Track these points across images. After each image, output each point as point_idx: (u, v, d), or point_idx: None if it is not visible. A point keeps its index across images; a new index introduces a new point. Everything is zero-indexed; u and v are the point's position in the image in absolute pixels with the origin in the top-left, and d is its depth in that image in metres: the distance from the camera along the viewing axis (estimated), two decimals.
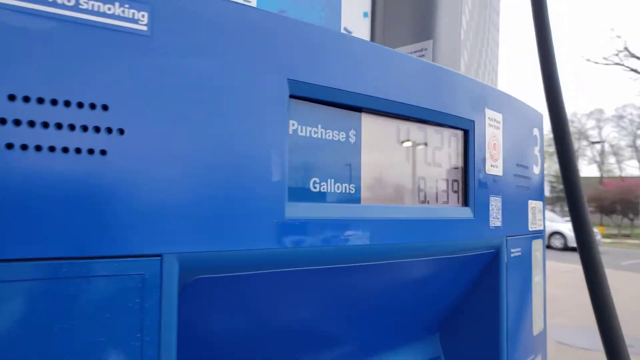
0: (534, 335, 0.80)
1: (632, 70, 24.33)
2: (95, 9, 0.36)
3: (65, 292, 0.34)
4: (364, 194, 0.52)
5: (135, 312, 0.36)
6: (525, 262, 0.76)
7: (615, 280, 8.76)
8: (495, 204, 0.68)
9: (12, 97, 0.33)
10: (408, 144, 0.57)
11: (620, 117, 32.88)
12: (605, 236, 21.51)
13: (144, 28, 0.38)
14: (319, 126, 0.48)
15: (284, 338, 0.54)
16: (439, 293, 0.70)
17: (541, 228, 0.83)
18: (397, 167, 0.56)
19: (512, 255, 0.72)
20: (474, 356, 0.73)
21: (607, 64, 24.42)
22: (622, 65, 24.71)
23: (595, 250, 0.92)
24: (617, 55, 24.78)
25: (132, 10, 0.37)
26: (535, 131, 0.83)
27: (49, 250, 0.33)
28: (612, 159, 34.29)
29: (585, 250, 0.91)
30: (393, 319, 0.68)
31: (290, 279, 0.48)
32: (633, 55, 24.07)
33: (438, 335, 0.76)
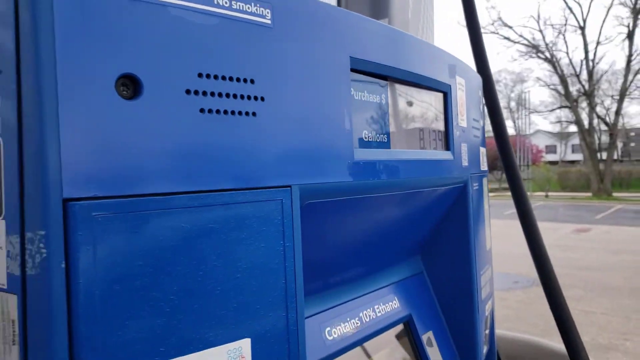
0: (487, 250, 1.04)
1: (505, 38, 26.58)
2: (241, 8, 0.49)
3: (242, 212, 0.48)
4: (392, 142, 0.69)
5: (279, 225, 0.51)
6: (480, 194, 0.99)
7: (500, 227, 9.83)
8: (464, 148, 0.89)
9: (200, 75, 0.46)
10: (413, 104, 0.75)
11: (497, 81, 35.94)
12: (489, 190, 23.73)
13: (269, 22, 0.51)
14: (365, 92, 0.65)
15: (334, 250, 0.71)
16: (423, 220, 0.91)
17: (486, 169, 1.07)
18: (408, 121, 0.74)
19: (474, 188, 0.94)
20: (449, 269, 0.95)
21: (485, 33, 26.39)
22: (497, 33, 26.88)
23: (529, 204, 1.15)
24: (492, 24, 26.88)
25: (261, 9, 0.50)
26: (480, 92, 1.05)
27: (233, 184, 0.47)
28: None
29: (521, 205, 1.15)
30: (389, 242, 0.87)
31: (350, 205, 0.64)
32: (506, 25, 26.28)
33: (420, 255, 0.97)
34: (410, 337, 0.85)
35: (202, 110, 0.46)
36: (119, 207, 0.40)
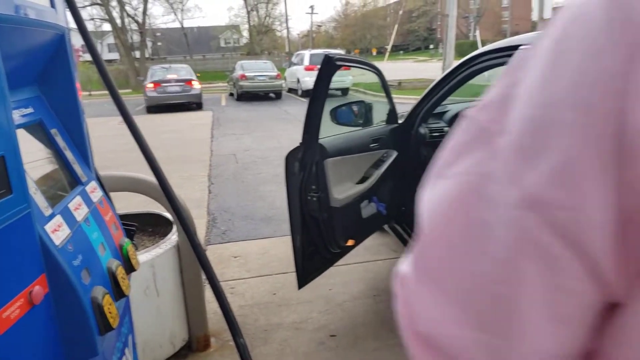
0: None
1: None
2: None
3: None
4: None
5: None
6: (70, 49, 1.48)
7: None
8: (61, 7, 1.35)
9: None
10: None
11: None
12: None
13: None
14: None
15: None
16: (41, 55, 1.34)
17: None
18: None
19: (69, 40, 1.43)
20: (58, 94, 1.43)
21: None
22: None
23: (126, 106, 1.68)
24: None
25: None
26: None
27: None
28: None
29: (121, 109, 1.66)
30: (21, 70, 1.28)
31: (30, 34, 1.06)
32: None
33: (37, 85, 1.40)
34: (42, 132, 1.32)
35: None
36: None
